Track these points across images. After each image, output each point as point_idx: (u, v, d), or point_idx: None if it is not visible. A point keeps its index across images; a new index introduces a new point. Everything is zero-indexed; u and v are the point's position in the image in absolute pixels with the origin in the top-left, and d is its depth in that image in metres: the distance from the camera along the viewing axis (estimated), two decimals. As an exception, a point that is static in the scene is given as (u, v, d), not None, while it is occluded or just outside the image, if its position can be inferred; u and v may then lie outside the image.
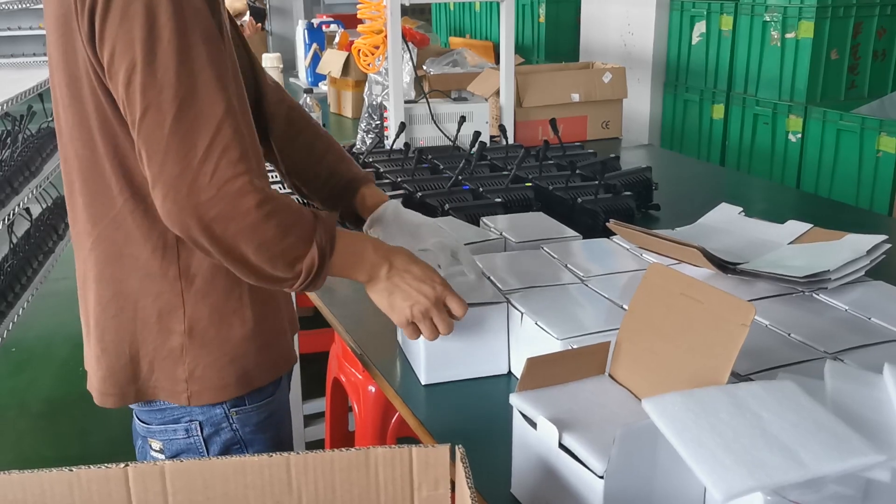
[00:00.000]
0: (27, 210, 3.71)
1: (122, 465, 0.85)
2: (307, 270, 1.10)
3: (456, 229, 1.67)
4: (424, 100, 2.59)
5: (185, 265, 1.17)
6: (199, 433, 1.24)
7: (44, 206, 4.03)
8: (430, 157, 2.35)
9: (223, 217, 1.03)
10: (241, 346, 1.21)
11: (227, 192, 1.03)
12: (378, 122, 2.76)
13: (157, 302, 1.18)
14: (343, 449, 0.89)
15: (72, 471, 0.85)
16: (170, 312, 1.18)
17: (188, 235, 1.06)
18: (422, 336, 1.29)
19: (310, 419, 2.70)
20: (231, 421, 1.24)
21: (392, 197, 1.99)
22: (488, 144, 2.50)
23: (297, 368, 2.44)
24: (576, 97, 2.91)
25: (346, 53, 3.37)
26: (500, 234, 1.66)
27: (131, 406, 1.27)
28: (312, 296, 1.70)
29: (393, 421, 1.94)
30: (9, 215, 3.28)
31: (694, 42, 3.91)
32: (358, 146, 2.79)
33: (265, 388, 1.28)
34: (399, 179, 2.15)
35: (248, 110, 1.23)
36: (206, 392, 1.21)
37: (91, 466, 0.85)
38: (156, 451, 1.26)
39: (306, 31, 4.12)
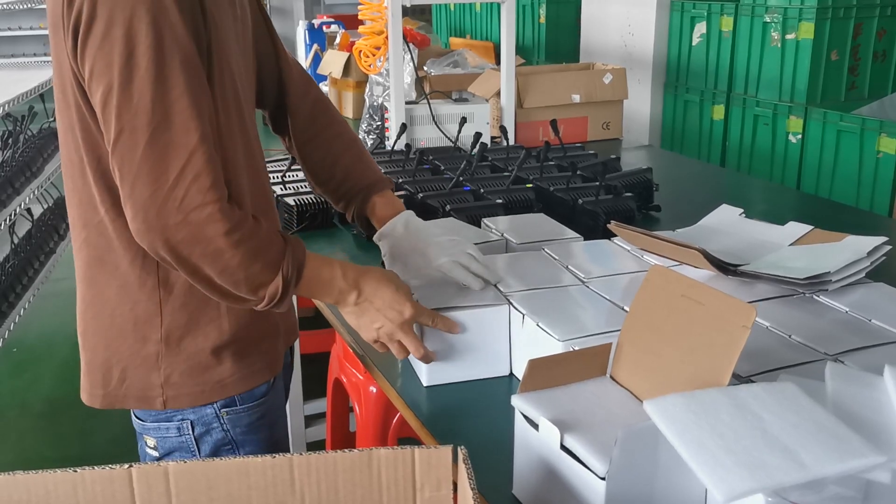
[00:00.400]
0: (28, 210, 3.72)
1: (126, 465, 0.86)
2: (270, 297, 1.14)
3: (457, 231, 1.67)
4: (425, 101, 2.60)
5: (164, 275, 1.19)
6: (191, 432, 1.25)
7: (45, 206, 4.04)
8: (431, 158, 2.36)
9: (188, 242, 1.06)
10: (217, 355, 1.22)
11: (194, 219, 1.05)
12: (379, 123, 2.77)
13: (134, 310, 1.20)
14: (346, 450, 0.90)
15: (76, 471, 0.85)
16: (147, 321, 1.20)
17: (155, 253, 1.09)
18: (423, 337, 1.29)
19: (311, 419, 2.71)
20: (222, 421, 1.25)
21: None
22: (489, 145, 2.50)
23: (297, 369, 2.45)
24: (576, 98, 2.91)
25: (346, 54, 3.37)
26: (502, 236, 1.66)
27: None
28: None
29: (394, 421, 1.94)
30: (10, 216, 3.28)
31: (694, 43, 3.91)
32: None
33: (257, 390, 1.28)
34: (400, 180, 2.15)
35: (251, 114, 1.24)
36: (182, 397, 1.22)
37: (95, 467, 0.85)
38: (150, 447, 1.28)
39: (307, 32, 4.12)
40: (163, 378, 1.21)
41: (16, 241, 3.59)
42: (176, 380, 1.21)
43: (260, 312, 1.24)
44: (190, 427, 1.24)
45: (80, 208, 1.20)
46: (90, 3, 1.03)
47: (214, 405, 1.24)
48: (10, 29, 9.19)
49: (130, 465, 0.86)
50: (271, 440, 1.32)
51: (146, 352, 1.21)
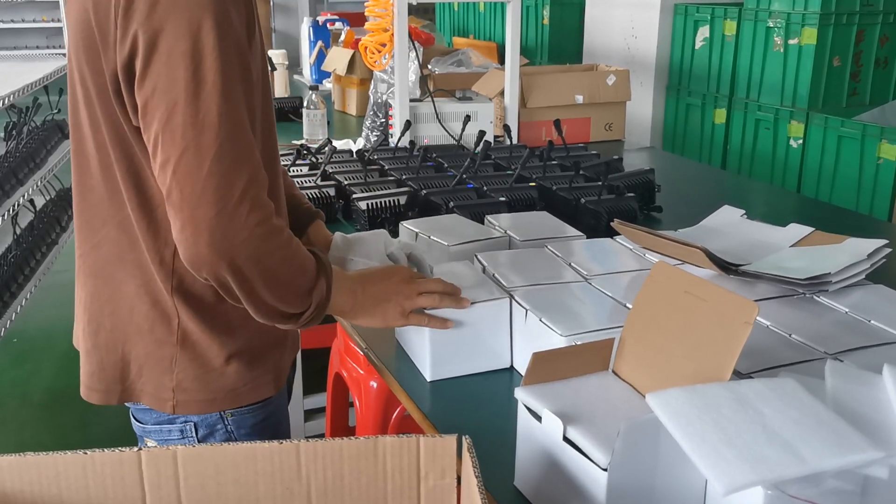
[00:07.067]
0: (31, 202, 3.73)
1: (136, 448, 0.87)
2: (317, 302, 1.15)
3: (461, 227, 1.69)
4: (429, 98, 2.61)
5: (181, 278, 1.18)
6: (194, 434, 1.24)
7: (48, 197, 4.05)
8: (434, 155, 2.37)
9: (254, 259, 1.05)
10: (231, 362, 1.22)
11: (258, 234, 1.04)
12: (383, 120, 2.78)
13: (152, 310, 1.19)
14: (352, 437, 0.91)
15: (86, 453, 0.86)
16: (164, 322, 1.19)
17: (215, 277, 1.06)
18: (426, 333, 1.31)
19: (310, 414, 2.72)
20: (226, 423, 1.25)
21: (397, 194, 2.02)
22: (492, 144, 2.52)
23: (298, 364, 2.46)
24: (579, 99, 2.92)
25: (351, 51, 3.39)
26: (504, 233, 1.67)
27: (127, 405, 1.28)
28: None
29: (394, 416, 1.95)
30: (13, 206, 3.29)
31: (697, 47, 3.93)
32: (363, 144, 2.80)
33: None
34: (404, 177, 2.16)
35: (274, 125, 1.26)
36: (191, 403, 1.22)
37: (105, 450, 0.87)
38: None
39: (311, 29, 4.14)
40: (174, 382, 1.20)
41: (18, 231, 3.60)
42: (188, 385, 1.21)
43: (270, 325, 1.24)
44: (193, 429, 1.24)
45: (99, 204, 1.19)
46: (157, 16, 1.01)
47: None
48: (13, 21, 9.20)
49: (140, 448, 0.87)
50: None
51: (161, 353, 1.20)
